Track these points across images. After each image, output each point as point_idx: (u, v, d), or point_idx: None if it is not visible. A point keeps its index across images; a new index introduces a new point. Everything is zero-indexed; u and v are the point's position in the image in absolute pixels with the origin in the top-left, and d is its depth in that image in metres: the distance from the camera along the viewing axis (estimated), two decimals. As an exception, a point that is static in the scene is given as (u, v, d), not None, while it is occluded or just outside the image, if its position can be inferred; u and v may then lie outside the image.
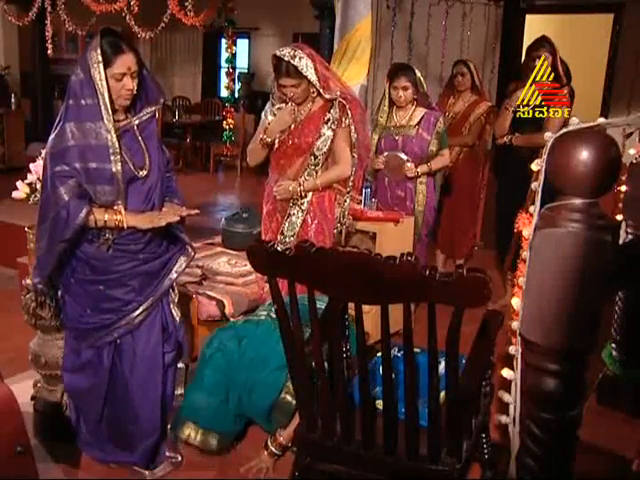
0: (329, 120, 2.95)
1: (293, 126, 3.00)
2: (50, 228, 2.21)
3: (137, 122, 2.29)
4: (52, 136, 2.21)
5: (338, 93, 2.94)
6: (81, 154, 2.16)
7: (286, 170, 3.04)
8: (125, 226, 2.21)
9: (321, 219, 3.05)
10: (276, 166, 3.09)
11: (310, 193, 3.02)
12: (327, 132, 2.96)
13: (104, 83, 2.15)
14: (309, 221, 3.05)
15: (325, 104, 2.97)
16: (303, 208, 3.03)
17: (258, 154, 3.12)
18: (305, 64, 2.83)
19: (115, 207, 2.21)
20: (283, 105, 3.01)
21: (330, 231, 3.11)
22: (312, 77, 2.85)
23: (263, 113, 3.13)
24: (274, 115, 3.03)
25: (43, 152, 2.37)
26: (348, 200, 3.13)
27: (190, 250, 2.45)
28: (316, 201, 3.04)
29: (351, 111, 2.95)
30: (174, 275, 2.41)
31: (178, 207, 2.38)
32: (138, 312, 2.34)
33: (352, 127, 2.97)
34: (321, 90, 2.90)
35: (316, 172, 3.01)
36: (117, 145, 2.18)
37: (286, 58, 2.82)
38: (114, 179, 2.18)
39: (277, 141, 3.03)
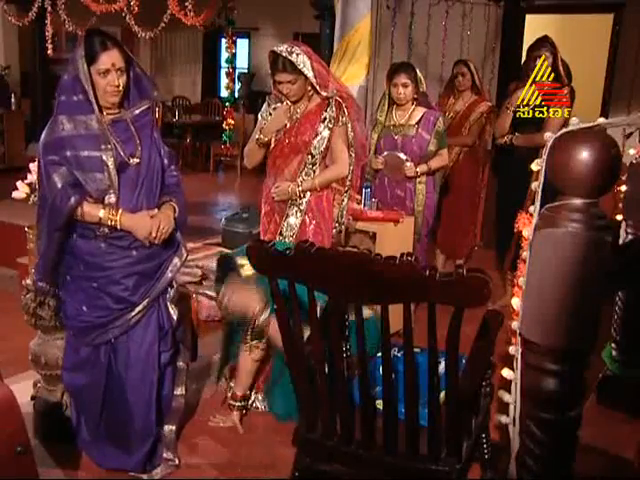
0: (326, 119, 2.94)
1: (289, 125, 2.98)
2: (47, 217, 2.25)
3: (130, 115, 2.31)
4: (45, 129, 2.26)
5: (335, 91, 2.94)
6: (72, 143, 2.20)
7: (283, 170, 3.02)
8: (119, 226, 2.24)
9: (319, 219, 3.04)
10: (273, 166, 3.06)
11: (308, 193, 3.01)
12: (324, 131, 2.95)
13: (87, 78, 2.18)
14: (307, 221, 3.03)
15: (321, 103, 2.96)
16: (302, 208, 3.01)
17: (255, 155, 3.10)
18: (302, 60, 2.83)
19: (110, 202, 2.23)
20: (279, 105, 3.01)
21: (328, 231, 3.10)
22: (309, 73, 2.84)
23: (259, 114, 3.12)
24: (270, 115, 3.03)
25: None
26: (346, 199, 3.12)
27: (183, 250, 2.45)
28: (314, 201, 3.02)
29: (347, 109, 2.95)
30: (169, 275, 2.41)
31: (169, 213, 2.36)
32: (134, 313, 2.34)
33: (349, 125, 2.96)
34: (317, 87, 2.89)
35: (313, 171, 2.99)
36: (107, 134, 2.22)
37: (283, 54, 2.82)
38: (104, 167, 2.21)
39: (273, 140, 3.02)
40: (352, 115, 2.96)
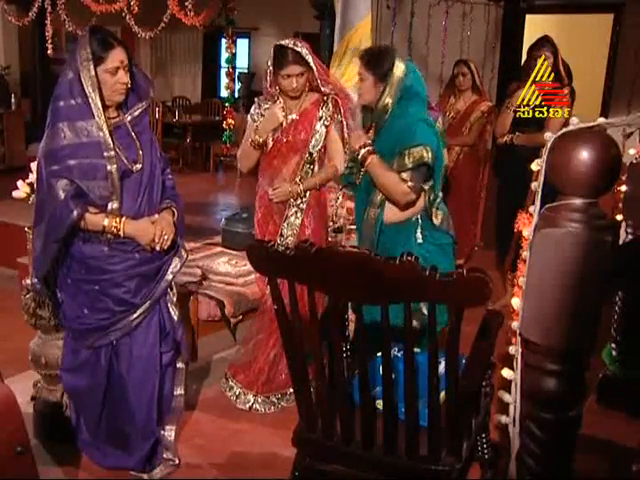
0: (322, 117, 2.94)
1: (285, 123, 2.97)
2: (46, 227, 2.22)
3: (129, 118, 2.30)
4: (45, 137, 2.22)
5: (331, 87, 2.95)
6: (74, 152, 2.17)
7: (281, 170, 2.98)
8: (122, 235, 2.23)
9: (318, 218, 3.03)
10: (268, 167, 3.01)
11: (307, 192, 2.99)
12: (321, 129, 2.94)
13: (95, 80, 2.16)
14: (307, 221, 3.01)
15: (317, 100, 2.94)
16: (301, 208, 2.99)
17: (250, 157, 3.04)
18: (306, 53, 2.83)
19: (113, 208, 2.22)
20: (270, 104, 2.98)
21: (326, 230, 3.10)
22: (314, 67, 2.85)
23: (249, 116, 3.06)
24: (262, 116, 3.00)
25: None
26: (340, 198, 3.12)
27: (183, 252, 2.45)
28: (314, 200, 3.01)
29: (342, 107, 2.95)
30: (170, 277, 2.41)
31: (170, 218, 2.36)
32: (135, 315, 2.34)
33: (344, 122, 2.96)
34: (320, 81, 2.89)
35: (312, 170, 2.98)
36: (110, 141, 2.19)
37: (291, 46, 2.82)
38: (108, 175, 2.19)
39: (270, 140, 2.98)
40: (346, 112, 2.97)
